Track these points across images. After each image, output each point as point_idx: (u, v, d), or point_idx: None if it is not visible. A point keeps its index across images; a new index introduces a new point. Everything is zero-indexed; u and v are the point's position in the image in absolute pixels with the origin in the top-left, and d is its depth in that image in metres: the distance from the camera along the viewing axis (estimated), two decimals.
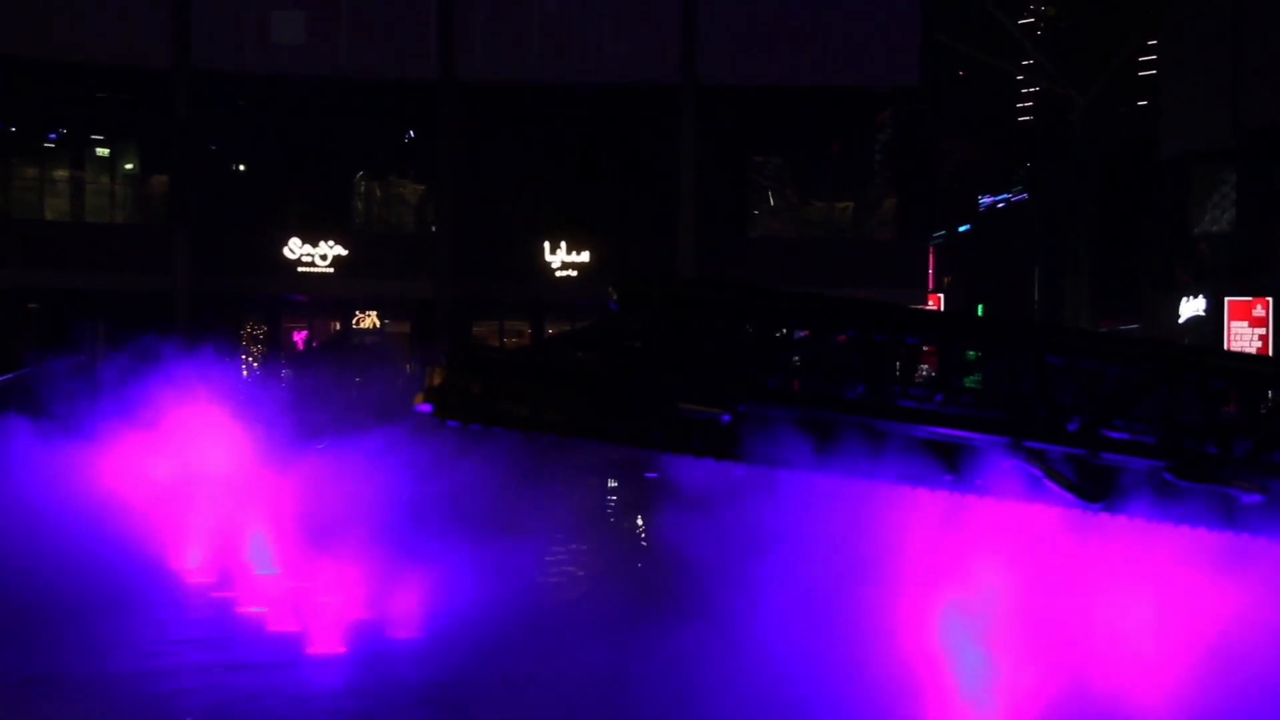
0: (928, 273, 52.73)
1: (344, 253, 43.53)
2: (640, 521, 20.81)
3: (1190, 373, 10.48)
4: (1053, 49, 54.55)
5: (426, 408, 10.15)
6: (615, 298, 10.79)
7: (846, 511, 10.54)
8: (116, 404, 17.11)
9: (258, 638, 13.46)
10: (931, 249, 55.33)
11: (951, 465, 10.29)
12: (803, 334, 11.12)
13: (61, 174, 44.80)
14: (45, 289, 42.59)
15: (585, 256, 43.46)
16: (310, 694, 11.60)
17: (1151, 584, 10.08)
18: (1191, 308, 44.68)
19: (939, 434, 10.26)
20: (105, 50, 41.90)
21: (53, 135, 44.98)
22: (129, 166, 45.67)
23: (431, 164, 44.58)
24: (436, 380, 10.13)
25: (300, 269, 43.28)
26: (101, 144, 45.27)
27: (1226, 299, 41.07)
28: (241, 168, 45.59)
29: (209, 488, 16.51)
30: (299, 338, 46.20)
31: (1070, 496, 10.22)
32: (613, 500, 24.71)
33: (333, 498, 15.25)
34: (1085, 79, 50.55)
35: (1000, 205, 70.38)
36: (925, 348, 11.95)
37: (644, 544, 15.61)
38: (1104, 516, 10.28)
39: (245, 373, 43.10)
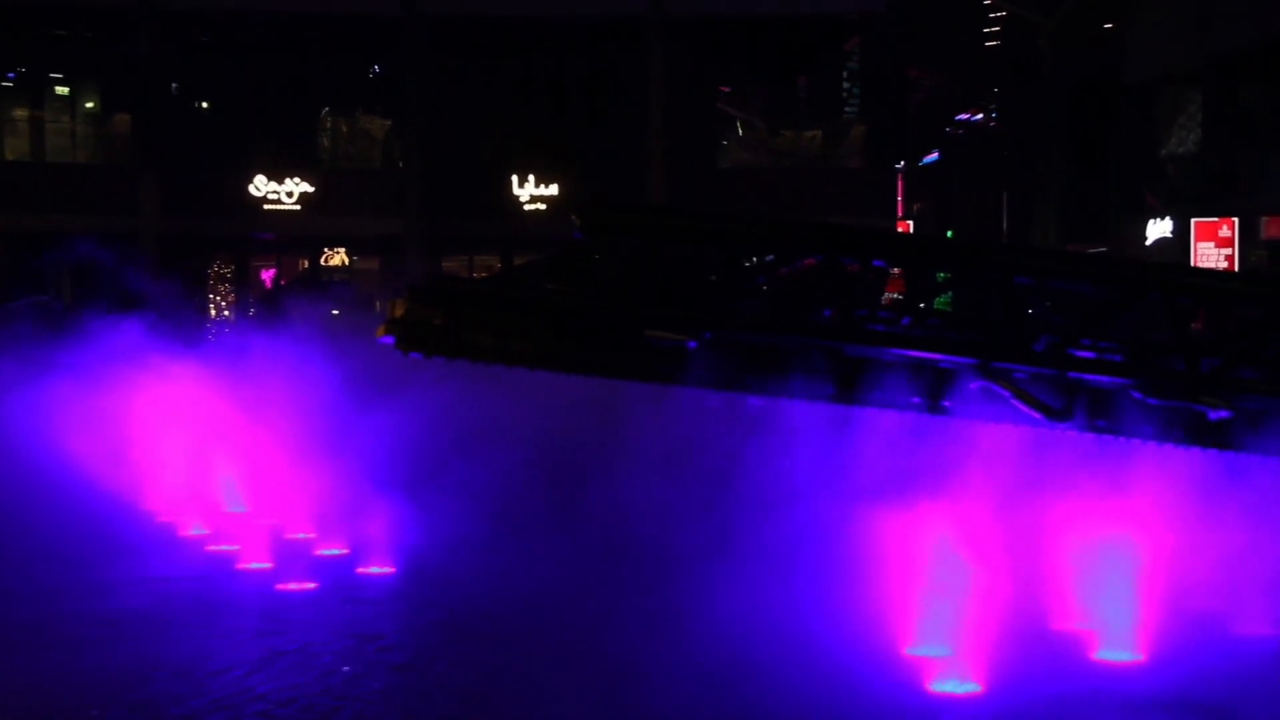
0: (897, 200, 52.72)
1: (310, 190, 43.25)
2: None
3: (1156, 290, 10.47)
4: None
5: (389, 340, 10.10)
6: (579, 226, 10.73)
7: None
8: (82, 342, 16.96)
9: (227, 573, 13.39)
10: (900, 176, 55.25)
11: (920, 387, 10.28)
12: (769, 259, 11.07)
13: (21, 113, 44.28)
14: (7, 230, 42.21)
15: (554, 190, 43.26)
16: (285, 628, 11.54)
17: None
18: (1158, 229, 44.77)
19: (906, 356, 10.24)
20: None
21: (11, 74, 44.43)
22: (90, 105, 45.18)
23: (398, 99, 44.24)
24: (398, 312, 10.08)
25: (267, 206, 42.99)
26: (61, 83, 44.74)
27: (1193, 220, 41.16)
28: (205, 105, 45.13)
29: (178, 425, 16.37)
30: (267, 276, 45.94)
31: (1039, 416, 10.23)
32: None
33: (312, 431, 15.11)
34: (1051, 3, 50.34)
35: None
36: (894, 271, 11.91)
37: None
38: (1074, 434, 10.30)
39: (214, 312, 42.94)
